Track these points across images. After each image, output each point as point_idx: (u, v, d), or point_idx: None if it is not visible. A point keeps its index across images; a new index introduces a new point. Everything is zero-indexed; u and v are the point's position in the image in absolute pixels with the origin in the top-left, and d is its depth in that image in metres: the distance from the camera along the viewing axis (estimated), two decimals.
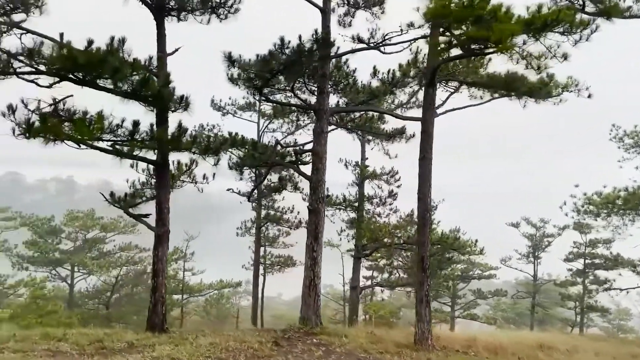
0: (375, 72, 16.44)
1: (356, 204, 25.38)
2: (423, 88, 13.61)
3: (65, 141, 8.74)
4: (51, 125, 7.67)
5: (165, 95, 8.89)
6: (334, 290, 61.13)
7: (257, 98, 13.52)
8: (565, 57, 9.92)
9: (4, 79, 8.02)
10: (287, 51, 10.54)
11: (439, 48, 10.46)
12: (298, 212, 26.13)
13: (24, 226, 39.43)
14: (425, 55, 14.80)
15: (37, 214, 41.41)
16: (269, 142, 15.44)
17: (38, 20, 9.62)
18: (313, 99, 14.33)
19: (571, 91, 12.59)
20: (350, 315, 25.19)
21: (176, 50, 11.20)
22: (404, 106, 18.60)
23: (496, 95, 15.66)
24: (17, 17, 9.42)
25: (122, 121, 8.92)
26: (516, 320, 56.34)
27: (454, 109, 13.75)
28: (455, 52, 11.66)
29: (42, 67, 8.87)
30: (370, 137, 23.62)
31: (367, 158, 25.52)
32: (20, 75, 8.23)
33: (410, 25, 12.63)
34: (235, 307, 55.23)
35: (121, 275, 36.89)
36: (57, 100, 8.73)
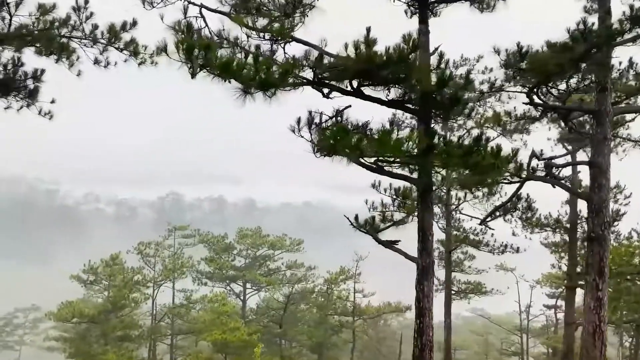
0: (631, 64, 13.37)
1: (567, 225, 21.71)
2: None
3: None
4: (356, 141, 6.38)
5: (462, 100, 7.19)
6: (499, 317, 55.72)
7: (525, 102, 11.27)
8: None
9: (290, 90, 6.95)
10: (588, 36, 8.29)
11: None
12: (492, 235, 23.12)
13: (201, 243, 41.86)
14: None
15: (212, 231, 43.96)
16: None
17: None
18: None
19: None
20: (564, 356, 21.39)
21: (437, 49, 9.56)
22: None
23: None
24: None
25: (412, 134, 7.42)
26: None
27: None
28: None
29: (308, 76, 7.76)
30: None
31: (579, 171, 21.80)
32: (314, 87, 7.14)
33: None
34: (390, 328, 52.98)
35: (292, 293, 37.05)
36: (338, 110, 7.54)
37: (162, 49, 5.94)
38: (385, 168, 9.10)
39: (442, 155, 6.75)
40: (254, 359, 27.01)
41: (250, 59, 5.97)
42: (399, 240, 10.38)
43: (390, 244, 10.21)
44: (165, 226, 41.32)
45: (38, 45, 9.58)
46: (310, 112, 7.18)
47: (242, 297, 41.48)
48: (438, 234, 27.72)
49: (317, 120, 7.24)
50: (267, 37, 7.57)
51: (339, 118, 7.58)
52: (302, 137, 7.07)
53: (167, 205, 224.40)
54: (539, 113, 15.15)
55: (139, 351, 36.02)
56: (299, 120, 7.11)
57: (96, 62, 9.46)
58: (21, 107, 10.78)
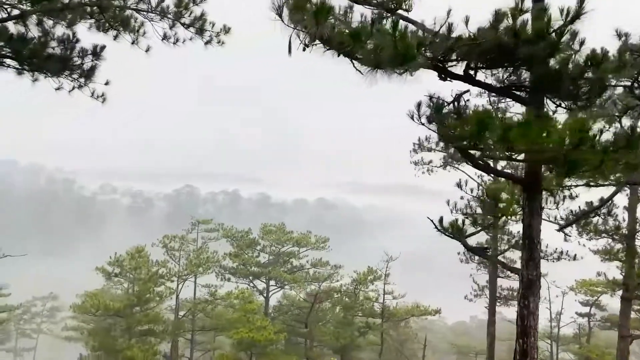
0: None
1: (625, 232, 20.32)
2: None
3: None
4: (505, 130, 5.26)
5: (609, 86, 6.03)
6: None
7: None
8: None
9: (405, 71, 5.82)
10: None
11: None
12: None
13: (224, 238, 41.04)
14: None
15: (235, 226, 43.13)
16: None
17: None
18: None
19: None
20: None
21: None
22: None
23: None
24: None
25: None
26: None
27: None
28: None
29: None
30: None
31: None
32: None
33: None
34: (412, 330, 51.66)
35: (319, 292, 36.01)
36: (458, 94, 6.43)
37: (278, 13, 4.88)
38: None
39: (597, 150, 5.58)
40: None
41: (385, 27, 4.88)
42: (490, 247, 9.28)
43: (481, 251, 9.11)
44: (181, 218, 40.80)
45: (98, 18, 8.61)
46: (430, 97, 6.08)
47: (265, 294, 40.58)
48: (481, 237, 26.55)
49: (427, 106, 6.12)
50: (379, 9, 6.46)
51: (455, 104, 6.45)
52: (422, 124, 5.97)
53: (182, 198, 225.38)
54: (623, 110, 13.84)
55: (160, 346, 35.37)
56: (419, 105, 6.02)
57: (165, 38, 8.45)
58: (73, 89, 9.82)
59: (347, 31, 4.98)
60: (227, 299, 33.21)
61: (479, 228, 9.22)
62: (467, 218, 9.43)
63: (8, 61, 9.28)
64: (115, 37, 9.13)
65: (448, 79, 6.60)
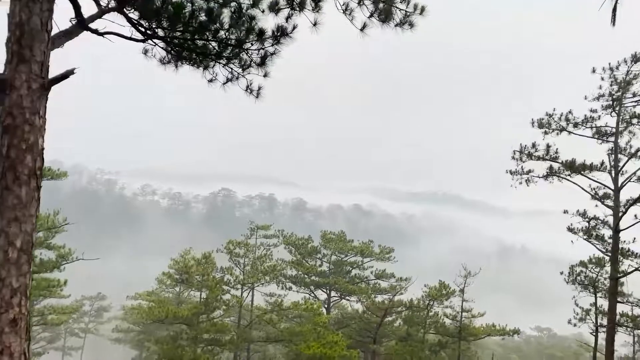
0: None
1: None
2: None
3: None
4: None
5: None
6: (565, 337, 50.22)
7: None
8: None
9: None
10: None
11: None
12: None
13: (285, 244, 39.68)
14: None
15: (295, 232, 41.72)
16: None
17: None
18: None
19: None
20: None
21: None
22: None
23: None
24: None
25: None
26: None
27: None
28: None
29: None
30: None
31: None
32: None
33: None
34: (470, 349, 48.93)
35: (390, 305, 34.04)
36: None
37: None
38: None
39: None
40: None
41: None
42: None
43: None
44: (220, 221, 39.73)
45: None
46: None
47: (326, 305, 38.93)
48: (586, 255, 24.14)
49: None
50: None
51: None
52: None
53: (220, 200, 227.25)
54: None
55: (222, 354, 34.13)
56: None
57: (372, 14, 6.81)
58: (227, 81, 8.36)
59: None
60: (295, 310, 31.57)
61: None
62: None
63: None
64: (288, 18, 7.59)
65: None
